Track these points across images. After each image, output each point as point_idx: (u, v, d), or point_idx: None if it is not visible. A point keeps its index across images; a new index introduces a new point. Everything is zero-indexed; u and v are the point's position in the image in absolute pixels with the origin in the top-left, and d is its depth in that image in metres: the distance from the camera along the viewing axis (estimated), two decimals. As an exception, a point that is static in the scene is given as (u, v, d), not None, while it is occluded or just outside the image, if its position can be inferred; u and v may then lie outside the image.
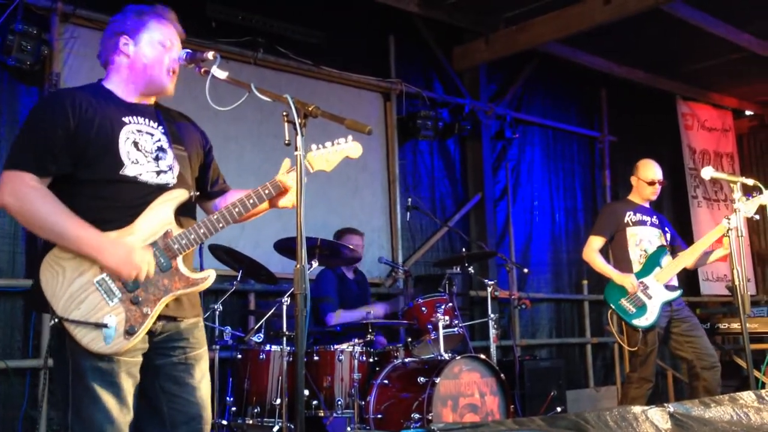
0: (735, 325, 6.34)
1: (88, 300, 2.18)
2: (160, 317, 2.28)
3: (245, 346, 4.34)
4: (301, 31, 5.96)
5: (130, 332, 2.19)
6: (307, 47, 6.02)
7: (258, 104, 2.41)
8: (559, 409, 5.63)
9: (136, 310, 2.21)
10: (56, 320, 2.15)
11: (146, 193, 2.30)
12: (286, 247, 4.46)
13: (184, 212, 2.40)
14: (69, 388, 2.18)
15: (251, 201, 2.41)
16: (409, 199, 5.96)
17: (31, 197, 2.17)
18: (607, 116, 8.62)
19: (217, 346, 4.38)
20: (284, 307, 4.22)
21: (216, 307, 4.42)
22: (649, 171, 4.91)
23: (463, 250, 5.47)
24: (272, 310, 4.33)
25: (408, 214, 5.98)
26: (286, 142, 2.23)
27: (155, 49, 2.38)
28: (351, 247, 4.82)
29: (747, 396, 2.66)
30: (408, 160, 6.85)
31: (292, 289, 2.25)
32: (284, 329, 4.22)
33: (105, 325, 2.16)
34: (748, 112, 9.83)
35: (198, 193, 2.53)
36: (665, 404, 2.28)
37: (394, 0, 6.31)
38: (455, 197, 7.19)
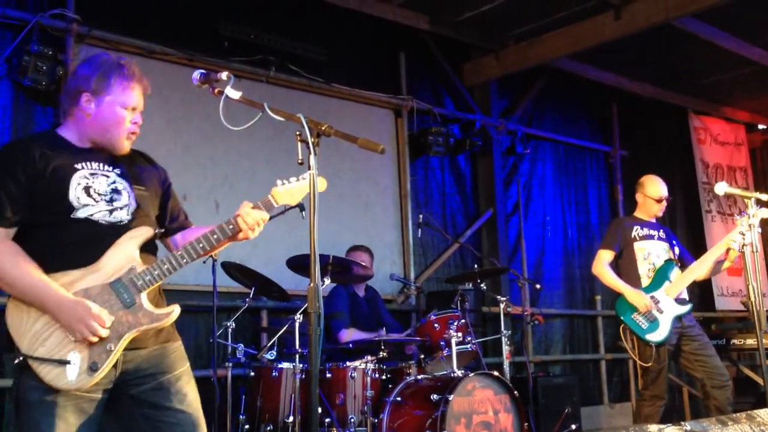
0: (750, 341, 6.27)
1: (53, 337, 2.22)
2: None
3: (258, 363, 4.34)
4: (312, 49, 6.01)
5: (93, 368, 2.22)
6: (319, 65, 6.06)
7: (269, 121, 2.42)
8: (573, 427, 5.59)
9: (99, 346, 2.24)
10: (21, 358, 2.19)
11: (100, 232, 2.32)
12: (298, 263, 4.46)
13: (148, 249, 2.43)
14: (15, 417, 2.21)
15: (215, 236, 2.43)
16: (421, 216, 5.97)
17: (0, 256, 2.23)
18: (618, 131, 8.61)
19: (230, 364, 4.38)
20: (297, 325, 4.22)
21: (228, 324, 4.43)
22: (656, 188, 4.91)
23: (475, 266, 5.46)
24: (285, 328, 4.33)
25: (419, 230, 5.98)
26: (299, 161, 2.25)
27: (117, 113, 2.38)
28: (362, 263, 4.82)
29: (764, 413, 2.64)
30: (419, 176, 6.87)
31: (305, 306, 2.25)
32: (297, 346, 4.22)
33: (68, 362, 2.19)
34: (760, 126, 9.78)
35: (162, 230, 2.57)
36: (682, 422, 2.26)
37: (405, 17, 6.35)
38: (467, 213, 7.19)
